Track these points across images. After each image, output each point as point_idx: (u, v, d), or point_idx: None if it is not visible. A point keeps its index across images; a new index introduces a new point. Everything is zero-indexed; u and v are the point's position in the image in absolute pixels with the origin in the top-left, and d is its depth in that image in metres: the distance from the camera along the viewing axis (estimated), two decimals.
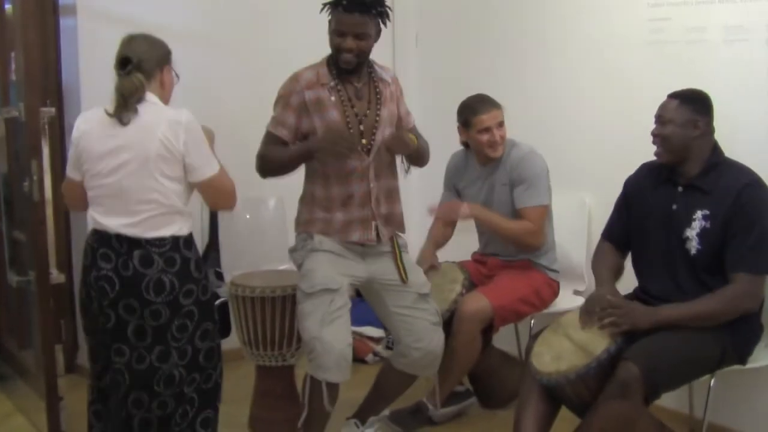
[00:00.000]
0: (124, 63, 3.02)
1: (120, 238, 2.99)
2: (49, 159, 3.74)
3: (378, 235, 3.53)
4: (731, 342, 3.16)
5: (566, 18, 4.54)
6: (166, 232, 3.00)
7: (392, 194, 3.61)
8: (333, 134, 3.35)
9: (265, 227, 4.92)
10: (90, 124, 3.04)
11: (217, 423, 3.27)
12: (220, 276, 4.73)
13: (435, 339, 3.62)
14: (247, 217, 4.86)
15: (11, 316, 4.74)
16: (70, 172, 3.15)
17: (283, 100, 3.48)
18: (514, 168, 4.04)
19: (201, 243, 4.88)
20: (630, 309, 3.17)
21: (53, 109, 3.80)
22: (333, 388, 3.46)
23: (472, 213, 4.04)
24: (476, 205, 4.08)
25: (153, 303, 2.97)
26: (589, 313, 3.25)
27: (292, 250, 3.62)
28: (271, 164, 3.50)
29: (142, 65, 3.01)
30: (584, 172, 4.41)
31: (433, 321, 3.63)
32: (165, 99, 3.12)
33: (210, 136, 3.15)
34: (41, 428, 3.83)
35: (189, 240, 3.08)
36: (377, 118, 3.48)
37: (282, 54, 4.47)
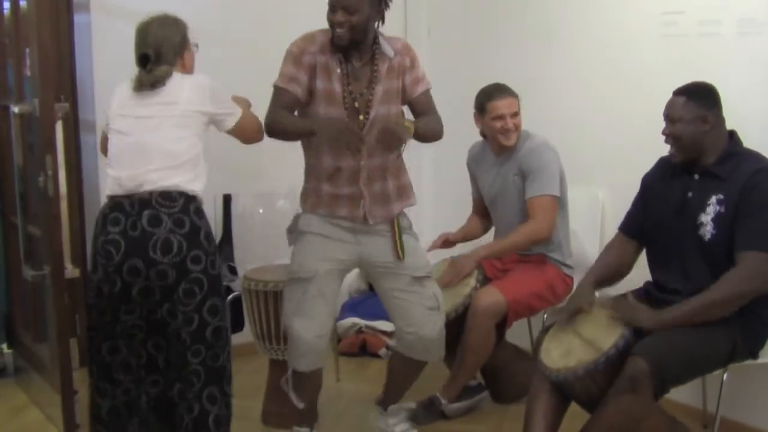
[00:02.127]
0: (143, 61, 3.10)
1: (132, 200, 3.04)
2: (63, 154, 3.76)
3: (366, 216, 3.45)
4: (741, 336, 3.14)
5: (580, 11, 4.53)
6: (176, 179, 3.06)
7: (386, 172, 3.49)
8: (341, 130, 3.25)
9: (278, 222, 4.88)
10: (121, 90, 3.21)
11: (228, 407, 3.25)
12: (233, 270, 4.75)
13: (429, 324, 3.54)
14: (260, 211, 4.87)
15: (26, 310, 4.77)
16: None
17: (293, 57, 3.38)
18: (524, 159, 4.05)
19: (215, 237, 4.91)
20: (632, 310, 3.16)
21: (67, 105, 3.83)
22: (301, 376, 3.50)
23: (477, 261, 4.08)
24: (476, 251, 4.10)
25: (159, 263, 2.99)
26: (569, 312, 3.32)
27: (288, 231, 3.63)
28: (277, 127, 3.38)
29: (162, 58, 3.13)
30: (597, 167, 4.40)
31: (428, 305, 3.54)
32: (188, 73, 3.27)
33: (246, 103, 3.43)
34: (56, 421, 3.85)
35: (200, 209, 3.12)
36: (371, 96, 3.39)
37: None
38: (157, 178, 3.05)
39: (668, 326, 3.05)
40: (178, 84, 3.13)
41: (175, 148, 3.08)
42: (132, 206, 3.03)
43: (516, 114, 4.07)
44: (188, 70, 3.26)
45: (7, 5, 4.52)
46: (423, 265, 3.59)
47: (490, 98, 4.08)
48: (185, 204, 3.05)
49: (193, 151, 3.12)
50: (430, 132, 3.51)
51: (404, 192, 3.57)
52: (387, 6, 3.40)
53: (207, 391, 3.15)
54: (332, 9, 3.31)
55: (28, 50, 4.14)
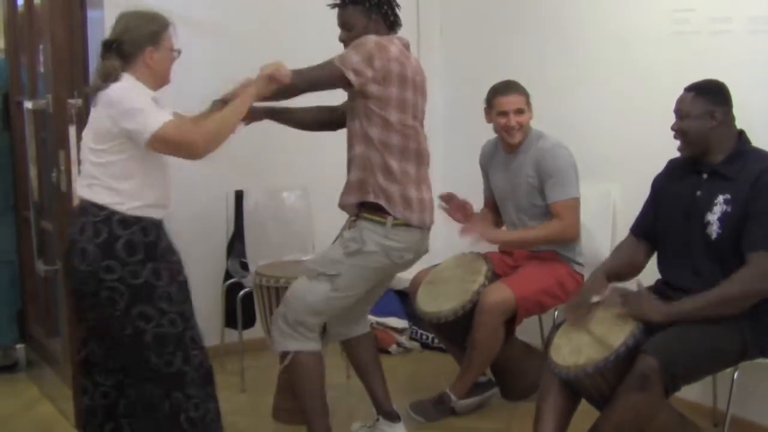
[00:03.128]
0: (106, 46, 3.01)
1: (79, 205, 3.07)
2: (76, 150, 3.78)
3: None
4: (752, 334, 3.12)
5: (592, 9, 4.53)
6: (99, 190, 2.98)
7: (351, 162, 3.47)
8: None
9: (290, 218, 4.94)
10: None
11: (198, 408, 3.11)
12: (244, 266, 4.77)
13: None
14: (272, 208, 4.89)
15: (39, 305, 4.80)
16: None
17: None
18: (541, 161, 4.05)
19: (226, 233, 4.93)
20: (641, 303, 3.14)
21: (80, 101, 3.83)
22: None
23: (497, 241, 4.11)
24: (500, 232, 4.15)
25: (78, 271, 2.98)
26: (578, 305, 3.30)
27: None
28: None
29: (121, 48, 2.99)
30: (609, 164, 4.39)
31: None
32: (156, 79, 3.07)
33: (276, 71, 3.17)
34: (68, 415, 3.87)
35: (126, 220, 2.97)
36: None
37: (300, 46, 4.50)
38: (85, 184, 3.02)
39: (678, 319, 3.06)
40: (110, 88, 2.95)
41: (94, 159, 2.99)
42: (77, 212, 3.07)
43: (521, 112, 4.07)
44: (156, 73, 3.05)
45: (20, 1, 4.55)
46: (318, 258, 3.58)
47: (497, 94, 4.10)
48: (108, 216, 2.97)
49: (113, 168, 2.97)
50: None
51: (364, 187, 3.45)
52: (384, 12, 3.47)
53: (173, 395, 3.09)
54: (339, 27, 3.50)
55: (41, 46, 4.17)
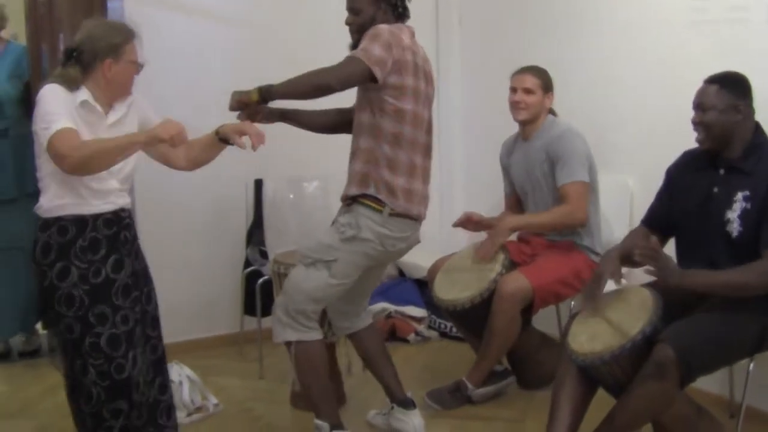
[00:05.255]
0: (66, 54, 2.99)
1: None
2: None
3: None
4: None
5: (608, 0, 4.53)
6: (39, 203, 2.99)
7: (355, 154, 3.50)
8: None
9: (309, 207, 4.96)
10: None
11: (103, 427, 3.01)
12: (264, 254, 4.80)
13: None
14: (291, 197, 4.90)
15: None
16: None
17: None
18: (551, 145, 4.08)
19: (246, 222, 4.96)
20: (665, 263, 3.11)
21: None
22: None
23: (510, 229, 4.10)
24: (511, 219, 4.14)
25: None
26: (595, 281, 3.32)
27: None
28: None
29: (81, 57, 2.95)
30: (626, 155, 4.39)
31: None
32: (115, 91, 3.02)
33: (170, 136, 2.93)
34: None
35: (46, 222, 2.96)
36: None
37: (318, 38, 4.53)
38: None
39: (690, 287, 3.08)
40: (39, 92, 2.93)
41: (36, 161, 2.99)
42: None
43: (530, 92, 4.12)
44: (114, 85, 2.99)
45: None
46: (310, 247, 3.56)
47: (515, 72, 4.20)
48: (37, 217, 3.00)
49: (40, 171, 2.97)
50: (290, 87, 3.37)
51: (365, 181, 3.46)
52: (393, 3, 3.48)
53: (71, 401, 3.06)
54: (347, 11, 3.49)
55: (62, 35, 4.19)
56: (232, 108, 3.42)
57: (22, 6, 4.93)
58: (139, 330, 3.08)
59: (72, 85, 2.93)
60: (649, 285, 3.27)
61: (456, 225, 4.24)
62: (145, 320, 3.13)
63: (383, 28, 3.37)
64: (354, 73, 3.32)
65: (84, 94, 2.95)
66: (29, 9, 4.79)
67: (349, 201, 3.48)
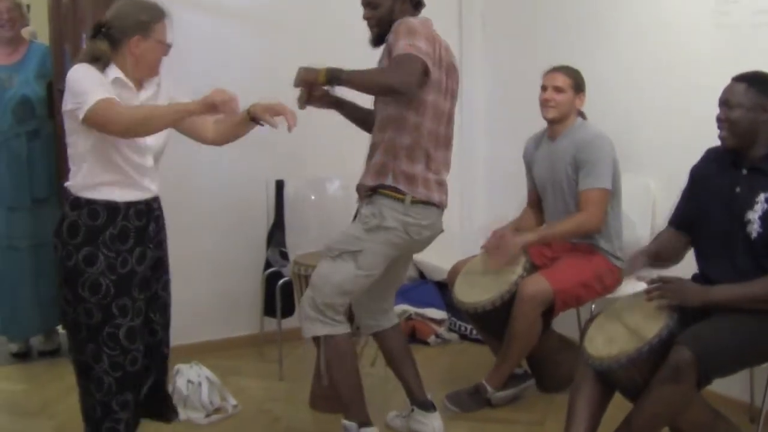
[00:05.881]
0: (95, 29, 2.99)
1: None
2: None
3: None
4: None
5: (632, 2, 4.51)
6: (70, 180, 2.99)
7: (374, 147, 3.51)
8: None
9: (330, 208, 4.96)
10: None
11: (94, 408, 3.03)
12: (284, 255, 4.80)
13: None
14: (312, 198, 4.92)
15: None
16: None
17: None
18: (580, 150, 4.05)
19: (267, 223, 4.97)
20: (681, 285, 3.12)
21: None
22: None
23: (524, 245, 4.04)
24: (524, 235, 4.07)
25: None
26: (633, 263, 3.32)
27: None
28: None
29: (109, 33, 2.95)
30: (649, 156, 4.37)
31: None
32: (142, 69, 3.01)
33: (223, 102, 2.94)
34: None
35: (78, 200, 2.95)
36: None
37: (341, 33, 4.52)
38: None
39: (714, 304, 3.05)
40: (69, 71, 2.93)
41: (67, 140, 2.99)
42: None
43: (560, 90, 4.11)
44: (141, 63, 2.99)
45: None
46: (335, 240, 3.55)
47: (547, 71, 4.19)
48: (68, 195, 2.99)
49: (74, 148, 2.95)
50: (357, 77, 3.32)
51: (383, 171, 3.46)
52: None
53: (79, 383, 3.08)
54: (363, 6, 3.49)
55: (84, 35, 4.20)
56: (297, 84, 3.42)
57: (45, 6, 4.96)
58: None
59: (100, 60, 2.92)
60: None
61: (485, 247, 4.18)
62: (156, 305, 3.14)
63: (414, 21, 3.35)
64: (415, 71, 3.25)
65: (115, 71, 2.95)
66: (52, 9, 4.81)
67: (369, 192, 3.48)
